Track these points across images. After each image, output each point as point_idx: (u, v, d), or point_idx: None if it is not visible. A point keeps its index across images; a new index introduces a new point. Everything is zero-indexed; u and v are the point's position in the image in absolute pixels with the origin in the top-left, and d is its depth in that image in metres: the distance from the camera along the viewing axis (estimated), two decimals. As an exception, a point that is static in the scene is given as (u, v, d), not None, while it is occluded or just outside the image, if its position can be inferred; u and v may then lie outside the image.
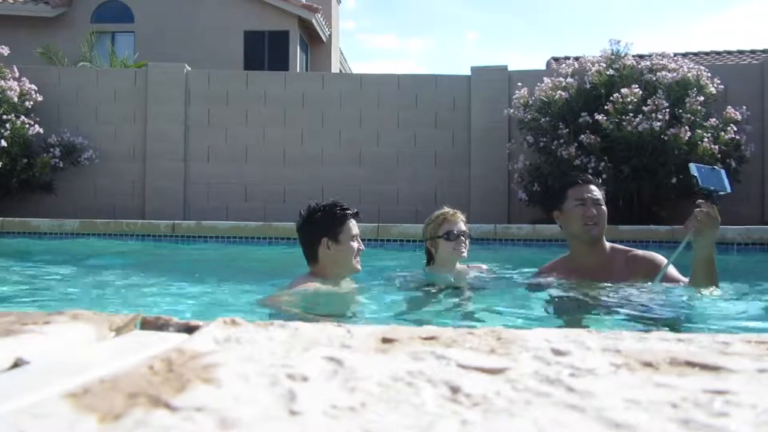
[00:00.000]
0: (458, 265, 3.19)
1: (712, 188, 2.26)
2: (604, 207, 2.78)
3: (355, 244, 2.80)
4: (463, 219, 3.16)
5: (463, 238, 3.10)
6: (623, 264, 2.74)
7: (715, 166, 2.55)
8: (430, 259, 3.22)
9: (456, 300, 2.89)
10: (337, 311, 2.65)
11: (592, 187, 2.81)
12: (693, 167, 2.35)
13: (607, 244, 2.83)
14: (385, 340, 0.79)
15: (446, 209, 3.19)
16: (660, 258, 2.73)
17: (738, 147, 7.47)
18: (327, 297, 2.71)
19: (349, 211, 2.82)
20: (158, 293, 3.38)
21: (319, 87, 9.26)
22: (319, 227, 2.78)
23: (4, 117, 8.12)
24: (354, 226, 2.82)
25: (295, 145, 9.08)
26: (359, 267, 2.84)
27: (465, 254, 3.13)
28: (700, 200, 2.31)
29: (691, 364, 0.69)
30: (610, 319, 2.44)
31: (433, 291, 3.01)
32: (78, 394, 0.58)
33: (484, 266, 3.34)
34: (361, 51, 62.77)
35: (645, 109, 7.08)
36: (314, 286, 2.70)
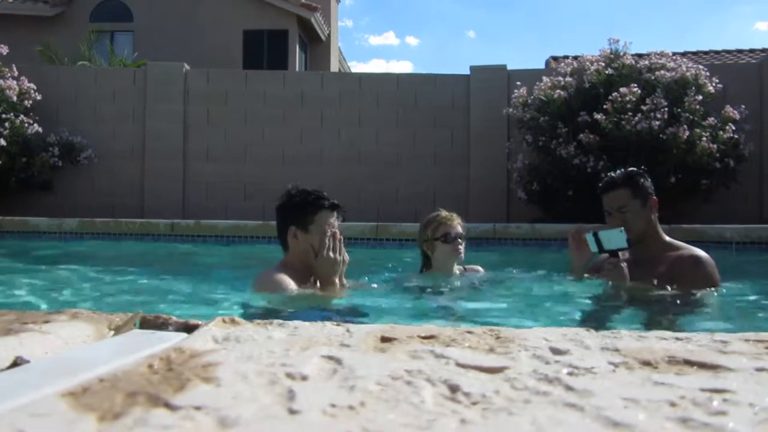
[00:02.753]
0: (455, 268, 3.19)
1: (614, 248, 2.67)
2: (628, 212, 2.74)
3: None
4: (460, 222, 3.17)
5: (460, 240, 3.11)
6: (669, 262, 2.70)
7: (606, 229, 2.74)
8: (427, 262, 3.22)
9: (453, 301, 2.90)
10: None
11: (609, 195, 2.80)
12: (590, 238, 2.72)
13: (666, 240, 2.80)
14: (384, 339, 0.79)
15: (443, 212, 3.20)
16: (703, 268, 2.67)
17: (736, 146, 7.47)
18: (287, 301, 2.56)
19: (324, 202, 2.61)
20: (157, 292, 3.38)
21: (318, 86, 9.26)
22: (290, 214, 2.62)
23: (3, 116, 8.12)
24: (328, 218, 2.61)
25: (295, 144, 9.08)
26: None
27: (462, 256, 3.14)
28: (610, 259, 2.69)
29: (689, 362, 0.69)
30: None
31: (430, 292, 3.01)
32: (77, 393, 0.58)
33: (480, 268, 3.34)
34: (359, 50, 62.74)
35: (644, 108, 7.08)
36: (275, 279, 2.53)
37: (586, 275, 2.97)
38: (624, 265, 2.66)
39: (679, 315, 2.50)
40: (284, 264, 2.69)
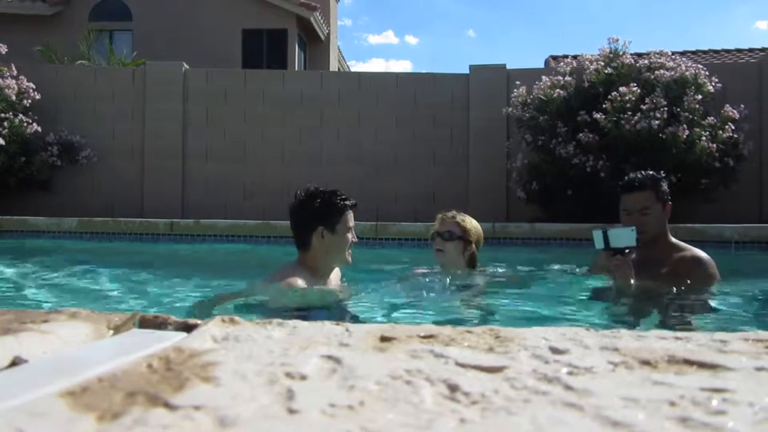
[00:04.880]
0: (458, 265, 3.19)
1: (621, 246, 2.67)
2: (649, 214, 2.79)
3: (349, 236, 2.70)
4: (458, 220, 3.16)
5: (440, 238, 3.11)
6: (673, 263, 2.79)
7: (616, 227, 2.77)
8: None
9: (457, 299, 2.90)
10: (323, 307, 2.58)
11: (634, 195, 2.84)
12: (597, 234, 2.70)
13: (672, 242, 2.87)
14: (384, 339, 0.79)
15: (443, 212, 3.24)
16: (705, 268, 2.76)
17: (736, 145, 7.47)
18: (314, 296, 2.63)
19: (348, 202, 2.71)
20: (156, 292, 3.38)
21: (317, 86, 9.26)
22: (317, 215, 2.65)
23: (2, 115, 8.11)
24: (351, 217, 2.72)
25: (294, 143, 9.07)
26: (350, 259, 2.75)
27: (439, 256, 3.13)
28: (617, 256, 2.69)
29: (689, 362, 0.69)
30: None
31: (436, 290, 3.01)
32: (76, 393, 0.58)
33: (490, 269, 3.33)
34: (358, 49, 62.73)
35: (643, 107, 7.08)
36: (298, 283, 2.57)
37: (584, 271, 3.02)
38: (630, 263, 2.70)
39: (685, 313, 2.56)
40: (301, 262, 2.72)
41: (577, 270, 3.36)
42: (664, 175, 3.00)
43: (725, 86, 7.81)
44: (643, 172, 2.92)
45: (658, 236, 2.83)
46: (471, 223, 3.20)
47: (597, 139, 7.21)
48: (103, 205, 8.78)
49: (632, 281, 2.69)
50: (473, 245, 3.18)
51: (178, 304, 2.99)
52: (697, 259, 2.79)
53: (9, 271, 4.25)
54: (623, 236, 2.66)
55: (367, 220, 6.93)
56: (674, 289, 2.72)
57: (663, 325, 2.42)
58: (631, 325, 2.49)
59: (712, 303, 2.70)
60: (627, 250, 2.69)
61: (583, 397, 0.58)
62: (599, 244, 2.71)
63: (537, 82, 7.93)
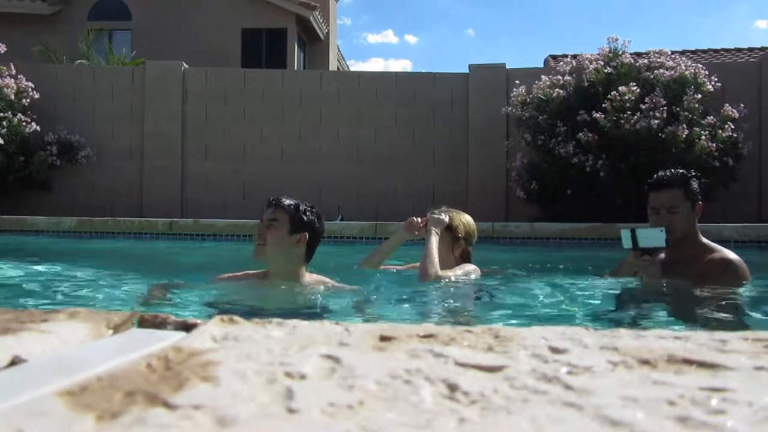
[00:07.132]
0: (468, 266, 3.20)
1: (649, 246, 2.62)
2: (678, 213, 2.74)
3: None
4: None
5: None
6: (702, 264, 2.74)
7: (648, 228, 2.71)
8: None
9: (453, 299, 2.90)
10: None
11: (662, 193, 2.77)
12: (626, 234, 2.65)
13: (702, 242, 2.82)
14: (383, 338, 0.79)
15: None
16: (734, 271, 2.73)
17: (735, 145, 7.48)
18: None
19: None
20: (156, 291, 3.36)
21: (317, 85, 9.26)
22: (313, 232, 2.78)
23: (1, 114, 8.10)
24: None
25: (293, 142, 9.07)
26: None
27: None
28: (644, 256, 2.65)
29: (688, 361, 0.69)
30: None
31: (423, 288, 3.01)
32: (75, 392, 0.58)
33: (471, 270, 3.33)
34: (357, 48, 62.72)
35: (642, 107, 7.09)
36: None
37: (606, 276, 3.01)
38: (657, 263, 2.66)
39: (708, 313, 2.54)
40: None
41: (598, 278, 3.30)
42: (694, 173, 2.89)
43: (725, 85, 7.82)
44: (672, 170, 2.84)
45: (688, 236, 2.77)
46: (459, 219, 3.21)
47: (596, 138, 7.21)
48: (103, 205, 8.78)
49: (660, 282, 2.65)
50: (462, 241, 3.18)
51: (177, 304, 2.98)
52: (726, 261, 2.73)
53: (8, 271, 4.24)
54: (652, 236, 2.60)
55: (366, 219, 6.94)
56: (701, 290, 2.66)
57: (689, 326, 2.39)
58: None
59: (740, 303, 2.65)
60: (654, 251, 2.63)
61: (582, 396, 0.58)
62: (627, 243, 2.64)
63: (536, 82, 7.94)
